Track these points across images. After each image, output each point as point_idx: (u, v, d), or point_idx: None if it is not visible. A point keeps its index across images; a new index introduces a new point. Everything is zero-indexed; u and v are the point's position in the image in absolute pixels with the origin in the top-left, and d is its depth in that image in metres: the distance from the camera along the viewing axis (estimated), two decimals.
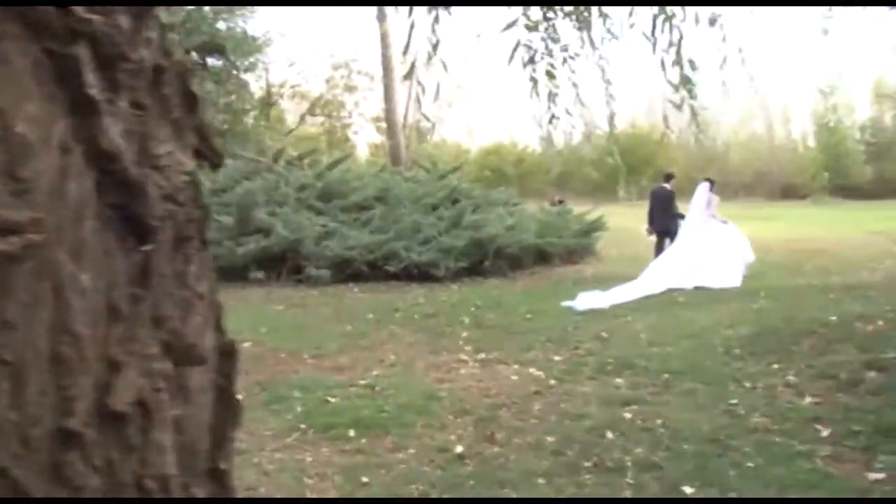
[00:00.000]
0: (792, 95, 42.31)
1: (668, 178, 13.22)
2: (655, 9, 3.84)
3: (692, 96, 4.10)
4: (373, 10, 23.71)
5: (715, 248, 10.79)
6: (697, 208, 11.40)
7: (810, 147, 40.35)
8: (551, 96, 4.44)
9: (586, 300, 9.41)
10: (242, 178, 14.38)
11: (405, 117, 24.76)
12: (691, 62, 4.00)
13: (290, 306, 9.97)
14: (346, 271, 12.13)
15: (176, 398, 0.74)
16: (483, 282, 11.74)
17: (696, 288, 10.15)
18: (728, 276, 10.55)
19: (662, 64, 3.93)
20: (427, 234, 12.71)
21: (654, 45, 3.84)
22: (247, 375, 5.77)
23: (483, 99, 37.70)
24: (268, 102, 30.18)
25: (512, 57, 4.23)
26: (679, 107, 4.10)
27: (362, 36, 30.24)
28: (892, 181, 34.44)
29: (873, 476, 3.88)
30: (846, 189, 34.68)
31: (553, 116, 4.45)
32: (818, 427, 4.58)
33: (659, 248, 12.12)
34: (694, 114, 4.18)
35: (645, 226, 13.03)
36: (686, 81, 3.99)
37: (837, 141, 38.05)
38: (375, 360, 6.77)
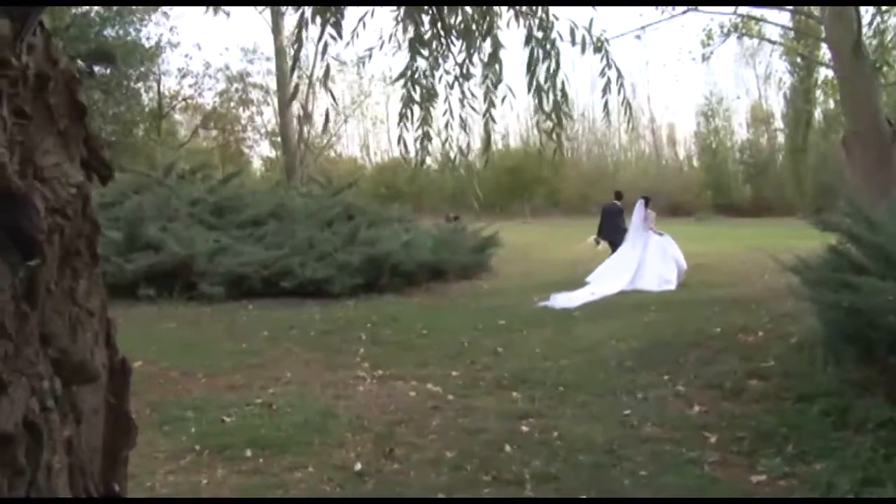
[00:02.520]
0: (678, 117, 44.61)
1: (619, 195, 15.05)
2: (535, 37, 4.00)
3: (561, 126, 4.26)
4: (269, 21, 23.41)
5: (653, 257, 12.41)
6: (637, 222, 13.02)
7: (695, 167, 42.56)
8: (424, 119, 4.53)
9: (560, 300, 10.72)
10: (132, 191, 13.84)
11: (300, 132, 24.45)
12: (564, 93, 4.18)
13: (183, 324, 9.63)
14: (241, 288, 11.83)
15: (66, 418, 0.71)
16: (379, 298, 11.69)
17: (636, 290, 11.55)
18: (665, 280, 12.08)
19: (538, 92, 4.07)
20: (322, 251, 12.58)
21: (533, 73, 3.99)
22: (137, 396, 5.51)
23: (379, 114, 37.68)
24: (159, 114, 29.16)
25: (401, 76, 4.27)
26: (550, 135, 4.26)
27: (258, 49, 29.51)
28: (769, 200, 36.69)
29: (756, 479, 4.13)
30: (728, 207, 36.65)
31: (424, 136, 4.53)
32: (706, 434, 4.83)
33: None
34: (559, 143, 4.35)
35: (593, 236, 14.75)
36: (557, 108, 4.15)
37: (719, 161, 40.27)
38: (271, 379, 6.63)
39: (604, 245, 14.37)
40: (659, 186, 32.57)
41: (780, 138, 39.73)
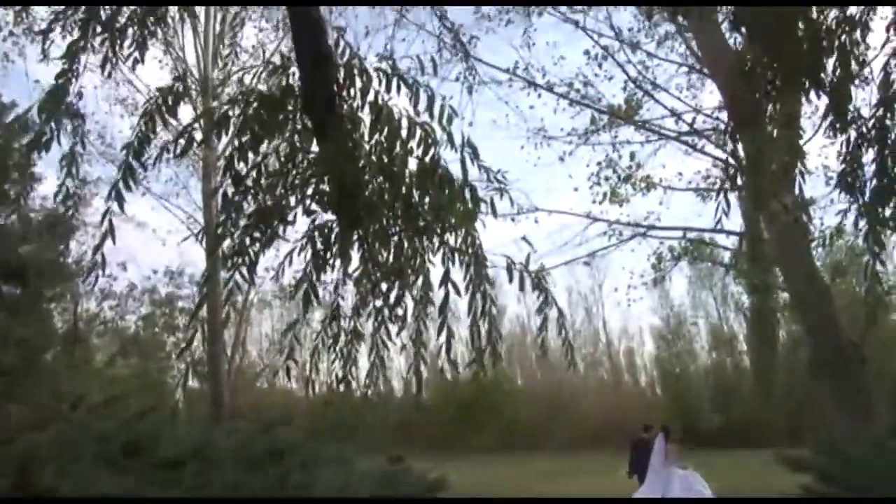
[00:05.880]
0: (635, 342, 45.65)
1: (647, 429, 15.75)
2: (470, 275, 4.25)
3: (487, 367, 4.45)
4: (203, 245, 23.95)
5: (675, 492, 12.50)
6: (656, 462, 13.37)
7: (658, 394, 42.87)
8: (348, 355, 4.68)
9: None
10: (28, 428, 13.16)
11: (230, 362, 24.21)
12: (497, 331, 4.37)
13: None
14: None
15: None
16: None
17: None
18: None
19: (473, 334, 4.25)
20: (248, 498, 11.89)
21: (471, 306, 4.17)
22: None
23: (317, 345, 37.63)
24: (74, 338, 28.66)
25: (329, 317, 4.41)
26: (480, 376, 4.44)
27: (185, 272, 29.95)
28: (740, 427, 36.69)
29: None
30: (696, 436, 36.50)
31: (345, 378, 4.68)
32: None
33: None
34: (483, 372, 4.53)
35: (625, 469, 15.39)
36: (494, 343, 4.32)
37: (682, 388, 40.71)
38: None
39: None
40: (620, 416, 32.51)
41: (746, 361, 40.74)
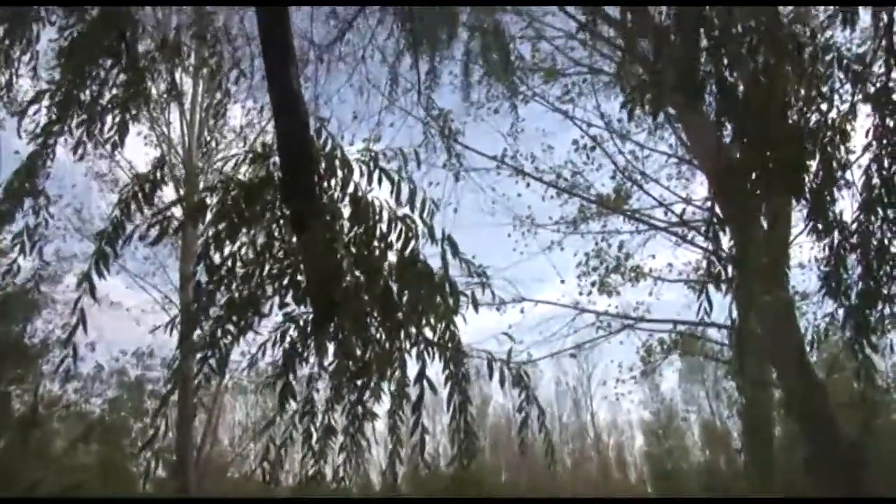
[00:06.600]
0: (625, 436, 45.19)
1: None
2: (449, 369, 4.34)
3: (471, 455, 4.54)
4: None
5: None
6: None
7: (649, 492, 42.21)
8: (320, 452, 4.72)
9: None
10: None
11: (199, 450, 23.75)
12: (473, 434, 4.46)
13: None
14: None
15: None
16: None
17: None
18: None
19: (452, 430, 4.29)
20: None
21: (450, 401, 4.23)
22: None
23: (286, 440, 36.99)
24: (31, 422, 28.03)
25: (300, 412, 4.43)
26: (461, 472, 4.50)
27: (156, 353, 29.51)
28: None
29: None
30: None
31: (315, 475, 4.71)
32: None
33: None
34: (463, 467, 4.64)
35: None
36: (471, 443, 4.39)
37: (675, 487, 40.14)
38: None
39: None
40: None
41: (740, 460, 40.27)
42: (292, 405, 5.12)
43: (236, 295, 4.81)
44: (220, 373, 4.64)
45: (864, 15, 5.95)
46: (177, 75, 8.15)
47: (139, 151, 23.29)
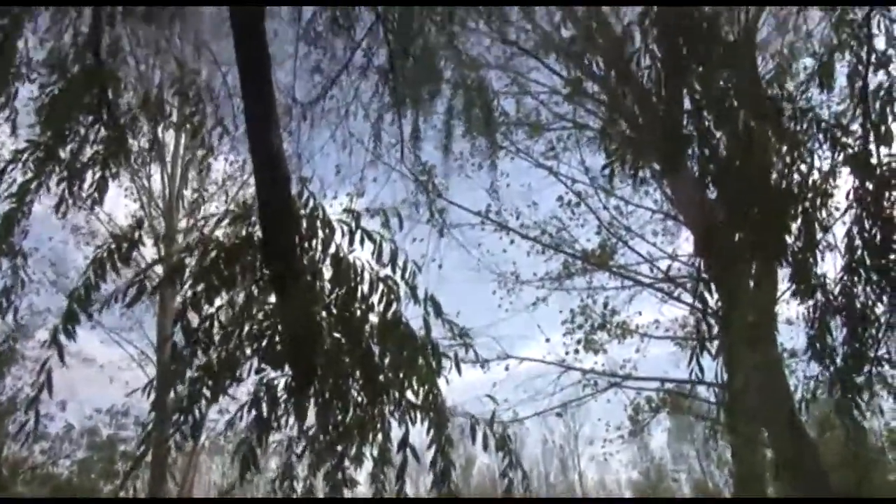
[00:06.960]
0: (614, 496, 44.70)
1: None
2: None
3: None
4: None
5: None
6: None
7: None
8: None
9: None
10: None
11: None
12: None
13: None
14: None
15: None
16: None
17: None
18: None
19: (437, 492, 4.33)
20: None
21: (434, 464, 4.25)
22: None
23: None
24: None
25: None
26: None
27: (130, 412, 28.93)
28: None
29: None
30: None
31: None
32: None
33: None
34: None
35: None
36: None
37: None
38: None
39: None
40: None
41: None
42: (256, 472, 5.06)
43: (214, 357, 4.80)
44: (194, 437, 4.60)
45: (841, 77, 6.12)
46: (158, 131, 8.21)
47: (118, 203, 23.21)
